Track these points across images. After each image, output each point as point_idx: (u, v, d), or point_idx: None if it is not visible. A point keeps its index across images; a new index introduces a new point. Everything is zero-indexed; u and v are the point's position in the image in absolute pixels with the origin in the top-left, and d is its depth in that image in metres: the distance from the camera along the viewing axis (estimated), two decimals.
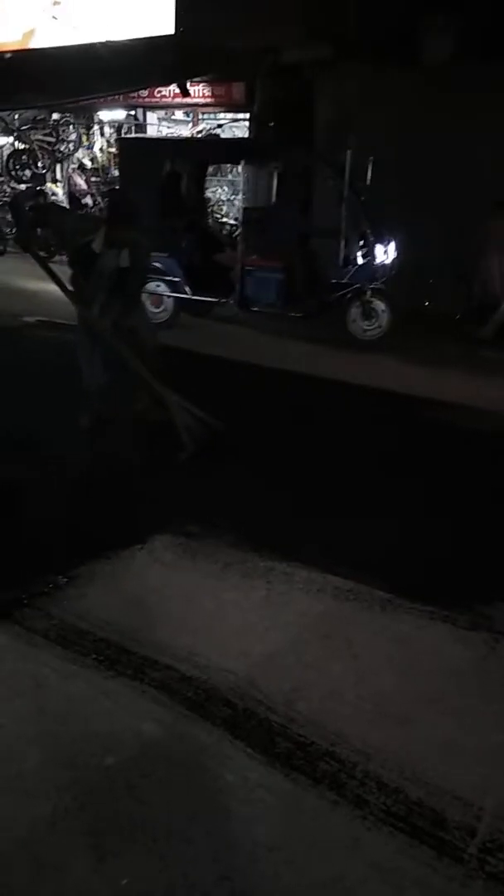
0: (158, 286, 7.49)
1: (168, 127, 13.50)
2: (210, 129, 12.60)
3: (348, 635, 2.66)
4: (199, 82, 11.28)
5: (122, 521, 3.44)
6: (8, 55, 11.25)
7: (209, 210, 8.41)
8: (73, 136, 13.38)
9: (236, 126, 12.57)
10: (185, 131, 13.09)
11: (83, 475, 3.98)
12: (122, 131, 13.34)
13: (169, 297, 7.58)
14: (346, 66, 8.35)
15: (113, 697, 2.27)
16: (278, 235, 7.41)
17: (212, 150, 9.41)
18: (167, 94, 11.95)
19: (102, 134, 13.74)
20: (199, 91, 11.52)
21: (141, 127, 13.17)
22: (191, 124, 13.14)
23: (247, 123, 11.66)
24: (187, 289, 7.55)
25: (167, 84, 11.37)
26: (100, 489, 3.81)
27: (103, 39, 9.51)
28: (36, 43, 11.34)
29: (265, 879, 1.73)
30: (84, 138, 13.64)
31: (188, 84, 10.62)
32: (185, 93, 10.72)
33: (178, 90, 10.87)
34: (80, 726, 2.15)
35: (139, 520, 3.45)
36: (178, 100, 11.55)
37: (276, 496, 3.77)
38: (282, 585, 2.96)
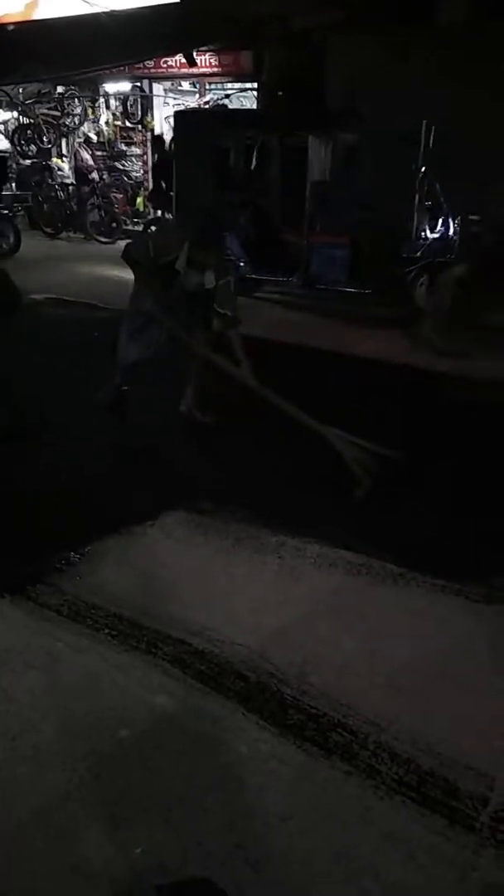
0: None
1: (174, 98, 13.29)
2: (217, 99, 12.40)
3: (361, 609, 2.66)
4: (206, 51, 11.08)
5: (133, 498, 3.45)
6: (11, 27, 11.08)
7: (265, 185, 7.84)
8: (78, 110, 13.21)
9: (244, 96, 12.35)
10: (192, 102, 12.88)
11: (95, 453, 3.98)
12: (128, 103, 13.14)
13: None
14: (357, 30, 8.14)
15: (126, 671, 2.29)
16: (346, 209, 7.05)
17: (272, 122, 8.60)
18: (173, 64, 11.76)
19: (108, 107, 13.55)
20: (205, 60, 11.31)
21: (147, 98, 12.98)
22: (197, 95, 12.92)
23: (255, 93, 11.47)
24: (248, 267, 7.29)
25: (173, 54, 11.18)
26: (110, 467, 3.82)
27: (108, 9, 9.32)
28: (39, 14, 11.15)
29: (278, 848, 1.75)
30: (90, 111, 13.45)
31: (195, 53, 10.43)
32: (192, 62, 10.54)
33: (184, 60, 10.69)
34: (94, 699, 2.17)
35: (150, 496, 3.45)
36: (185, 70, 11.36)
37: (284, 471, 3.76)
38: (294, 560, 2.96)
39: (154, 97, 13.04)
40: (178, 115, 9.27)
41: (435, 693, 2.25)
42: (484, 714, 2.17)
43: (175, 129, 8.83)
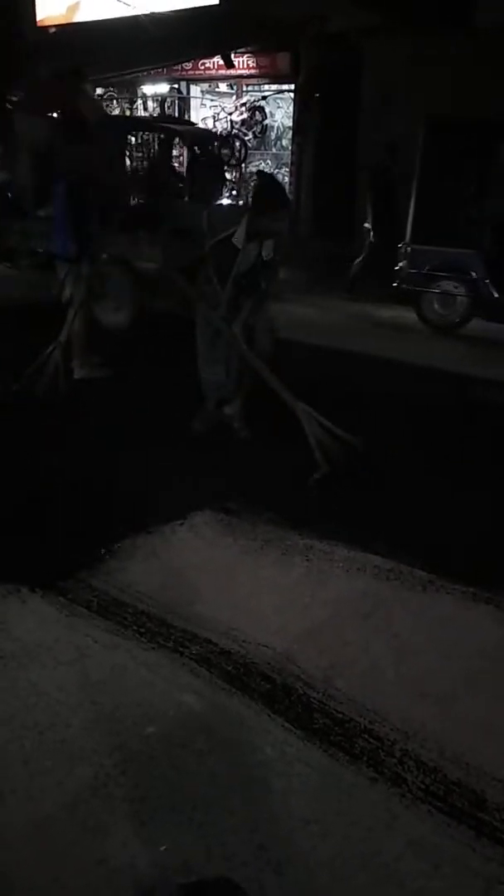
0: (456, 286, 6.86)
1: (211, 100, 13.35)
2: (254, 101, 12.41)
3: (388, 614, 2.64)
4: (244, 53, 11.11)
5: (162, 498, 3.47)
6: (52, 29, 11.25)
7: None
8: (116, 111, 13.34)
9: (281, 97, 12.35)
10: (229, 104, 12.91)
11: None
12: (165, 105, 13.23)
13: (463, 297, 6.90)
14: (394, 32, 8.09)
15: (153, 669, 2.31)
16: None
17: None
18: (211, 66, 11.81)
19: (146, 108, 13.65)
20: (243, 62, 11.34)
21: (184, 100, 13.05)
22: (234, 97, 12.96)
23: (291, 95, 11.46)
24: (492, 289, 6.68)
25: (211, 56, 11.23)
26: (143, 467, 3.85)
27: (147, 11, 9.41)
28: (80, 17, 11.31)
29: (302, 851, 1.74)
30: (127, 112, 13.57)
31: (232, 55, 10.46)
32: (230, 64, 10.57)
33: (221, 62, 10.73)
34: (122, 696, 2.19)
35: (178, 497, 3.47)
36: (222, 72, 11.40)
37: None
38: (321, 563, 2.95)
39: (191, 99, 13.12)
40: (427, 119, 7.16)
41: (463, 701, 2.23)
42: None
43: (424, 136, 7.10)
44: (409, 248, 7.14)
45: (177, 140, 8.89)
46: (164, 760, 1.98)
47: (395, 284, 7.26)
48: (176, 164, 10.40)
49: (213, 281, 3.89)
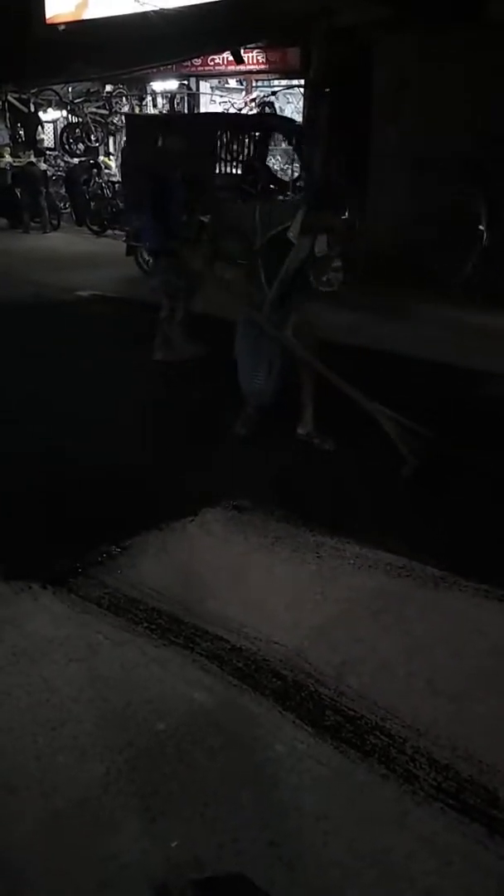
0: None
1: (221, 96, 13.34)
2: (264, 96, 12.39)
3: (400, 611, 2.63)
4: (253, 49, 11.08)
5: (174, 494, 3.47)
6: (62, 27, 11.27)
7: None
8: (125, 108, 13.36)
9: (290, 93, 12.33)
10: (238, 100, 12.90)
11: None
12: (175, 101, 13.24)
13: None
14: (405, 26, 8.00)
15: (164, 665, 2.31)
16: None
17: None
18: (220, 62, 11.79)
19: (155, 105, 13.67)
20: (252, 58, 11.31)
21: (194, 96, 13.05)
22: (244, 92, 12.94)
23: (301, 91, 11.42)
24: None
25: (221, 52, 11.21)
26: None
27: (157, 7, 9.40)
28: (89, 14, 11.31)
29: (313, 848, 1.74)
30: (137, 110, 13.59)
31: (242, 51, 10.44)
32: (239, 60, 10.55)
33: (231, 58, 10.70)
34: (133, 692, 2.20)
35: (190, 491, 3.47)
36: (232, 67, 11.37)
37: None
38: (333, 560, 2.94)
39: (201, 95, 13.11)
40: None
41: (475, 699, 2.22)
42: None
43: None
44: None
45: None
46: (174, 757, 1.98)
47: None
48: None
49: (262, 279, 3.78)
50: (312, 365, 3.81)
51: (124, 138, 8.39)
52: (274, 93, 12.39)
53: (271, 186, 7.93)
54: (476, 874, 1.69)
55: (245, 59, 10.89)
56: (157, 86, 13.31)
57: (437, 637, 2.50)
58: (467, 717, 2.14)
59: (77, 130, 12.87)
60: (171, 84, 13.13)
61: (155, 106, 13.71)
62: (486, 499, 3.51)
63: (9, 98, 12.98)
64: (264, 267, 3.75)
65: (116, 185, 12.39)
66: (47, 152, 13.34)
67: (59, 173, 13.02)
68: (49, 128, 14.25)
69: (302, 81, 11.16)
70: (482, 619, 2.61)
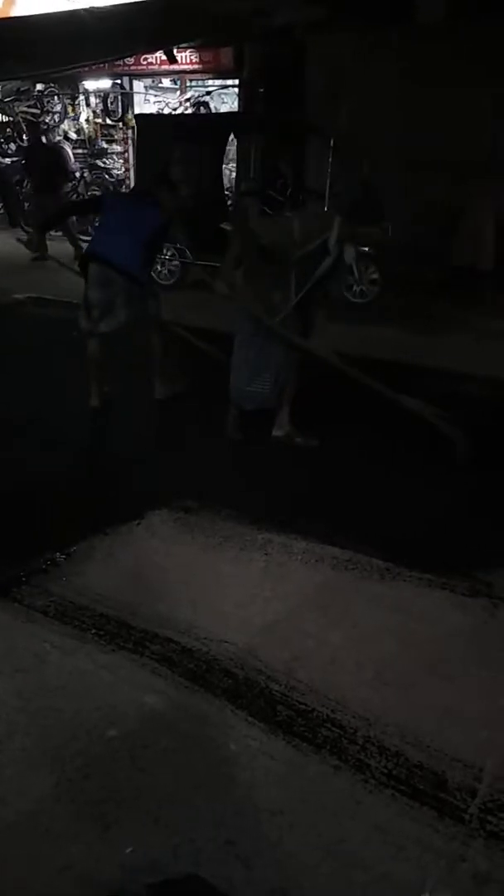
0: None
1: (155, 95, 13.23)
2: (198, 96, 12.36)
3: (347, 604, 2.67)
4: (187, 48, 11.03)
5: (118, 498, 3.44)
6: None
7: None
8: (58, 107, 13.12)
9: (225, 93, 12.33)
10: (173, 99, 12.83)
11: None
12: (109, 101, 13.07)
13: None
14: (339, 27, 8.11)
15: (114, 671, 2.29)
16: None
17: None
18: (154, 61, 11.69)
19: (88, 104, 13.46)
20: (186, 57, 11.26)
21: (127, 96, 12.91)
22: (178, 92, 12.88)
23: (236, 90, 11.44)
24: None
25: (154, 51, 11.11)
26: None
27: (87, 6, 9.25)
28: (17, 11, 11.05)
29: (269, 843, 1.75)
30: (69, 109, 13.36)
31: (175, 50, 10.37)
32: (172, 59, 10.48)
33: (164, 57, 10.62)
34: (83, 700, 2.16)
35: (136, 494, 3.44)
36: (165, 67, 11.30)
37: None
38: (280, 557, 2.96)
39: (134, 94, 12.97)
40: None
41: (422, 687, 2.27)
42: (471, 706, 2.19)
43: None
44: None
45: None
46: (127, 762, 1.96)
47: None
48: None
49: (293, 291, 3.72)
50: (346, 368, 3.75)
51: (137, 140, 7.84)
52: (209, 92, 12.37)
53: (302, 194, 7.64)
54: (427, 856, 1.73)
55: (178, 59, 10.83)
56: (90, 85, 13.12)
57: (384, 627, 2.55)
58: (415, 704, 2.19)
59: (8, 130, 12.57)
60: (105, 83, 12.95)
61: (88, 105, 13.49)
62: (427, 490, 3.60)
63: None
64: (296, 279, 3.70)
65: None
66: None
67: None
68: None
69: (236, 81, 11.18)
70: (427, 607, 2.67)
